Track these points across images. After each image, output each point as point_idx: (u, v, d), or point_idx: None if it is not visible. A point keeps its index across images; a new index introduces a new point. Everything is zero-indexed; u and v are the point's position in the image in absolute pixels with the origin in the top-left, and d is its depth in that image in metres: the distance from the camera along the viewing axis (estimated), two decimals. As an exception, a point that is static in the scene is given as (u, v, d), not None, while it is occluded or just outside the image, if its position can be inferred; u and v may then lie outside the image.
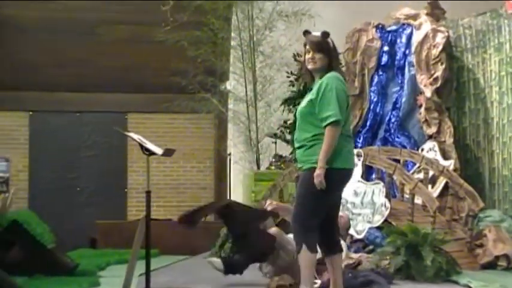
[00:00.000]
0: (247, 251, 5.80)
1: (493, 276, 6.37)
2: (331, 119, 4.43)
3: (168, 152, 5.50)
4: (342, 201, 7.45)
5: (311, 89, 4.70)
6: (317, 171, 4.45)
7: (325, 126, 4.47)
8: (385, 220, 7.43)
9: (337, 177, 4.53)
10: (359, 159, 7.83)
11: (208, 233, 8.81)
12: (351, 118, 4.69)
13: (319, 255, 5.82)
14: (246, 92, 10.68)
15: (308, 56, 4.69)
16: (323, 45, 4.67)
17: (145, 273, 5.20)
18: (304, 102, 4.68)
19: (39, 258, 6.21)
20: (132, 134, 5.53)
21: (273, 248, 5.94)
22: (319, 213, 4.58)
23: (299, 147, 4.66)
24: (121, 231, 9.13)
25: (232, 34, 10.87)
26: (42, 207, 10.54)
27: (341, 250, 4.88)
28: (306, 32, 4.81)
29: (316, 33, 4.78)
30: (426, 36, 9.22)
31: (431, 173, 8.17)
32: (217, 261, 5.71)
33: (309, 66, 4.70)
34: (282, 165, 9.80)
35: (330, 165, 4.45)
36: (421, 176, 8.30)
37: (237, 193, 10.34)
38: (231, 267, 5.78)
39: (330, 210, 4.67)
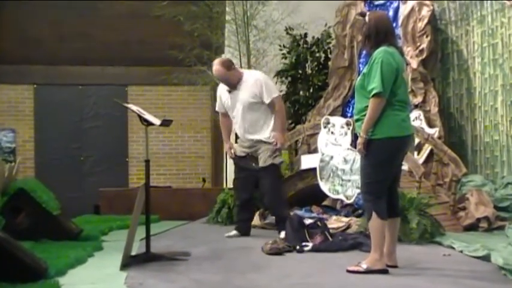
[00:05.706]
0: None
1: (475, 237, 6.38)
2: (374, 91, 4.43)
3: (165, 123, 5.45)
4: (333, 168, 7.51)
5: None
6: (358, 140, 4.52)
7: (371, 98, 4.48)
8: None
9: (393, 145, 4.51)
10: (348, 128, 7.79)
11: (206, 199, 8.86)
12: (405, 86, 4.63)
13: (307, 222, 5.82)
14: (241, 64, 10.59)
15: None
16: (361, 26, 4.78)
17: (145, 238, 5.19)
18: (359, 76, 4.69)
19: (45, 224, 6.16)
20: (131, 106, 5.48)
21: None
22: (384, 181, 4.57)
23: (357, 120, 4.64)
24: (123, 198, 9.09)
25: (227, 9, 10.76)
26: (48, 175, 10.50)
27: (400, 214, 4.89)
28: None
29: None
30: (412, 9, 9.17)
31: (417, 140, 8.15)
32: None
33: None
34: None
35: (384, 134, 4.46)
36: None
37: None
38: None
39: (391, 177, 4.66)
